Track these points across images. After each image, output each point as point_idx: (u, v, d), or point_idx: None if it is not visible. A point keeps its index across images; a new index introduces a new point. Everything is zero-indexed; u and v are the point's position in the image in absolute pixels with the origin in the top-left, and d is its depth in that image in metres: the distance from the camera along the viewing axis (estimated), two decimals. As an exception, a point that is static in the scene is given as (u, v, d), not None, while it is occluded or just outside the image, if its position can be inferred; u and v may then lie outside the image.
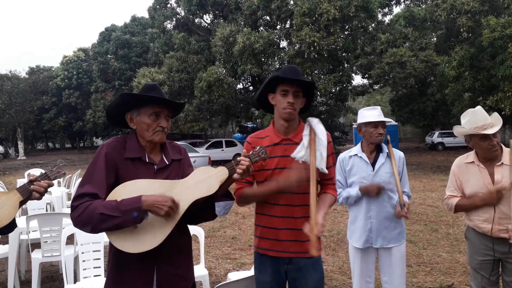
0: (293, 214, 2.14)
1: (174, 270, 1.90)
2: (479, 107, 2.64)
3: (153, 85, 1.94)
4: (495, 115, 2.63)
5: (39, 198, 1.75)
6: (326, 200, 2.21)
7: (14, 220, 1.78)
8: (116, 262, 1.84)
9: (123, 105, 1.91)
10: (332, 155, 2.27)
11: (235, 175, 1.83)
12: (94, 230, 1.72)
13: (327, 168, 2.19)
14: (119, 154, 1.86)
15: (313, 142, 2.13)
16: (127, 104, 1.90)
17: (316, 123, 2.19)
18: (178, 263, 1.93)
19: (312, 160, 2.09)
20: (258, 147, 1.94)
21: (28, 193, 1.72)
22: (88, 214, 1.68)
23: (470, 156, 2.73)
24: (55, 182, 8.28)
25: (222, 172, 1.83)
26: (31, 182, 1.72)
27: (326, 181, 2.27)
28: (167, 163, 1.95)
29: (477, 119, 2.55)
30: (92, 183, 1.78)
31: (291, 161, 2.12)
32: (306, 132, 2.17)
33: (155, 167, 1.91)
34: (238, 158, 1.86)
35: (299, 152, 2.11)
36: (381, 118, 2.85)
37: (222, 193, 1.92)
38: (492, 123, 2.53)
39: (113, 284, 1.85)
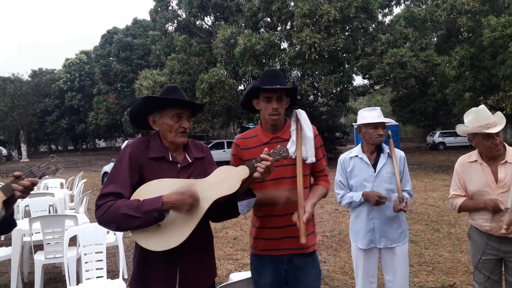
0: (292, 211, 2.15)
1: (197, 267, 1.95)
2: (482, 106, 2.65)
3: (174, 87, 1.98)
4: (499, 114, 2.63)
5: (22, 197, 1.72)
6: (317, 190, 2.25)
7: (10, 218, 1.79)
8: (142, 258, 1.90)
9: (146, 108, 1.95)
10: (321, 147, 2.31)
11: (256, 174, 1.85)
12: (119, 229, 1.78)
13: (317, 160, 2.24)
14: (143, 154, 1.91)
15: (299, 135, 2.16)
16: (149, 106, 1.94)
17: (302, 115, 2.23)
18: (200, 260, 1.98)
19: (298, 152, 2.12)
20: (278, 146, 1.95)
21: (11, 192, 1.68)
22: (112, 213, 1.73)
23: (473, 155, 2.73)
24: (54, 182, 8.29)
25: (242, 171, 1.86)
26: (16, 179, 1.71)
27: (317, 173, 2.31)
28: (190, 161, 1.99)
29: (480, 118, 2.56)
30: (116, 183, 1.82)
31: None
32: (293, 127, 2.21)
33: (179, 165, 1.96)
34: (261, 156, 1.88)
35: (290, 148, 2.13)
36: (381, 119, 2.85)
37: (244, 191, 1.95)
38: (495, 122, 2.54)
39: (138, 279, 1.91)
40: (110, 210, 1.73)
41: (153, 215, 1.71)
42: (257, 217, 2.28)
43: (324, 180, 2.33)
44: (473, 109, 2.66)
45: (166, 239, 1.77)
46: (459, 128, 2.73)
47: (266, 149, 1.95)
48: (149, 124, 2.00)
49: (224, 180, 1.85)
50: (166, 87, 1.99)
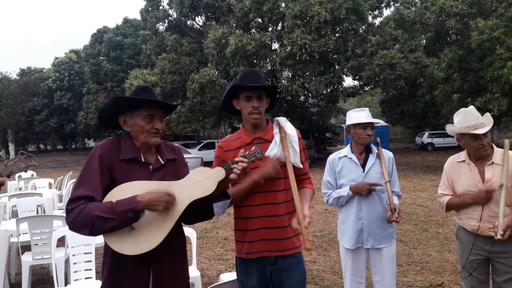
0: (276, 212, 2.16)
1: (170, 270, 1.91)
2: (471, 107, 2.68)
3: (146, 87, 1.93)
4: (487, 115, 2.66)
5: None
6: (307, 194, 2.27)
7: None
8: (113, 262, 1.84)
9: (116, 108, 1.89)
10: (304, 150, 2.33)
11: (232, 175, 1.84)
12: (92, 233, 1.70)
13: (302, 163, 2.25)
14: (114, 155, 1.85)
15: (284, 139, 2.17)
16: (120, 107, 1.89)
17: (284, 122, 2.24)
18: (173, 264, 1.93)
19: (287, 156, 2.12)
20: (253, 147, 1.95)
21: None
22: (84, 217, 1.66)
23: (462, 155, 2.77)
24: (43, 182, 8.17)
25: (219, 173, 1.84)
26: None
27: (301, 177, 2.33)
28: (162, 163, 1.95)
29: (468, 119, 2.59)
30: (87, 186, 1.76)
31: (265, 159, 2.12)
32: (276, 130, 2.22)
33: (151, 167, 1.91)
34: (236, 159, 1.87)
35: (273, 150, 2.14)
36: (370, 119, 2.87)
37: (219, 193, 1.92)
38: (484, 123, 2.57)
39: (110, 285, 1.85)
40: (82, 214, 1.66)
41: (128, 215, 1.66)
42: (238, 219, 2.28)
43: (309, 182, 2.36)
44: (462, 109, 2.68)
45: (141, 242, 1.72)
46: (448, 128, 2.76)
47: (242, 150, 1.95)
48: (118, 124, 1.94)
49: (200, 182, 1.82)
50: (138, 87, 1.94)
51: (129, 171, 1.84)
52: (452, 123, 2.75)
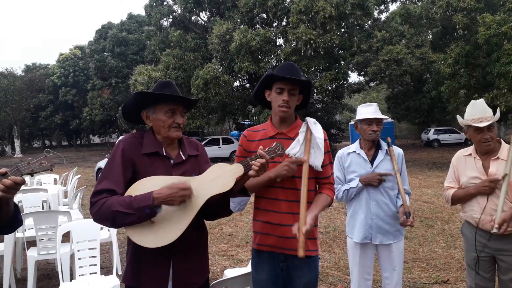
0: (296, 210, 2.10)
1: (190, 264, 1.95)
2: (481, 100, 2.67)
3: (167, 82, 1.97)
4: (497, 110, 2.63)
5: (6, 197, 1.58)
6: (320, 201, 2.16)
7: (14, 218, 1.73)
8: (135, 254, 1.89)
9: (139, 103, 1.93)
10: (329, 153, 2.25)
11: (251, 172, 1.84)
12: (114, 225, 1.79)
13: (324, 166, 2.17)
14: (136, 149, 1.90)
15: (308, 141, 2.11)
16: (142, 102, 1.93)
17: (314, 123, 2.19)
18: (193, 257, 1.97)
19: (306, 158, 2.07)
20: (274, 144, 1.94)
21: None
22: (105, 210, 1.73)
23: (470, 149, 2.77)
24: (48, 178, 8.21)
25: (237, 169, 1.85)
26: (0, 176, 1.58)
27: (323, 180, 2.23)
28: (184, 158, 1.98)
29: (474, 111, 2.59)
30: (110, 179, 1.81)
31: (285, 156, 2.09)
32: (302, 129, 2.16)
33: (172, 161, 1.94)
34: (254, 155, 1.86)
35: (294, 148, 2.10)
36: (375, 115, 2.84)
37: (238, 190, 1.94)
38: (490, 117, 2.55)
39: (131, 276, 1.91)
40: (104, 207, 1.73)
41: (145, 212, 1.70)
42: (258, 209, 2.24)
43: (328, 189, 2.23)
44: (472, 101, 2.68)
45: (160, 236, 1.76)
46: (458, 119, 2.78)
47: (261, 146, 1.92)
48: (142, 119, 1.98)
49: (218, 178, 1.84)
50: (159, 82, 1.97)
51: (151, 165, 1.89)
52: (463, 117, 2.74)
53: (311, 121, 2.19)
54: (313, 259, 2.21)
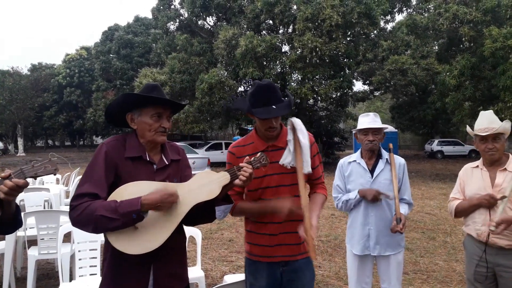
0: (292, 217, 2.12)
1: (170, 270, 1.91)
2: (490, 111, 2.69)
3: (155, 85, 1.93)
4: (507, 122, 2.62)
5: (9, 199, 1.57)
6: (317, 200, 2.23)
7: (16, 217, 1.73)
8: (113, 261, 1.84)
9: (125, 105, 1.90)
10: (318, 154, 2.29)
11: (237, 181, 1.84)
12: (95, 231, 1.72)
13: (314, 168, 2.23)
14: (119, 153, 1.85)
15: (298, 147, 2.13)
16: (128, 104, 1.89)
17: (298, 124, 2.19)
18: (174, 263, 1.93)
19: (299, 165, 2.10)
20: (258, 153, 1.95)
21: None
22: (88, 215, 1.67)
23: (477, 162, 2.78)
24: (50, 177, 8.23)
25: (223, 177, 1.85)
26: (2, 179, 1.56)
27: (314, 181, 2.30)
28: (167, 163, 1.95)
29: (482, 122, 2.62)
30: (92, 182, 1.76)
31: (278, 167, 2.14)
32: (290, 137, 2.17)
33: (155, 166, 1.91)
34: (241, 164, 1.87)
35: (286, 158, 2.13)
36: (371, 125, 2.82)
37: (222, 197, 1.93)
38: (496, 128, 2.55)
39: (110, 283, 1.85)
40: (86, 212, 1.67)
41: (132, 217, 1.67)
42: (252, 222, 2.26)
43: (322, 187, 2.32)
44: (482, 112, 2.71)
45: (143, 242, 1.73)
46: (467, 129, 2.79)
47: (247, 157, 1.94)
48: (125, 121, 1.93)
49: (204, 186, 1.83)
50: (147, 85, 1.94)
51: (133, 169, 1.85)
52: (465, 130, 2.76)
53: (296, 122, 2.18)
54: (310, 258, 2.23)
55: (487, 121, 2.59)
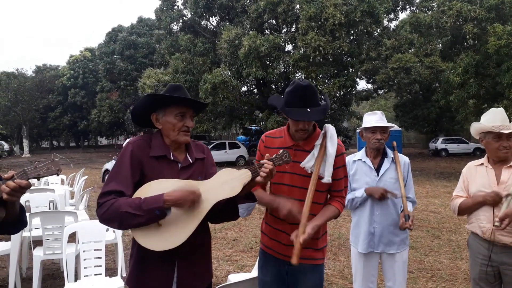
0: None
1: (194, 268, 1.95)
2: (501, 109, 2.67)
3: (178, 86, 1.98)
4: None
5: (12, 199, 1.58)
6: (327, 212, 2.16)
7: (20, 218, 1.74)
8: (139, 256, 1.89)
9: (149, 105, 1.94)
10: (344, 167, 2.22)
11: (258, 178, 1.85)
12: (120, 227, 1.78)
13: (336, 179, 2.16)
14: (144, 152, 1.90)
15: (322, 152, 2.10)
16: (153, 104, 1.94)
17: (330, 131, 2.15)
18: (198, 261, 1.98)
19: (316, 168, 2.08)
20: (281, 151, 1.95)
21: None
22: (113, 212, 1.72)
23: (481, 160, 2.76)
24: (55, 178, 8.27)
25: (245, 175, 1.86)
26: (5, 180, 1.57)
27: (334, 193, 2.24)
28: (191, 161, 1.99)
29: (496, 118, 2.59)
30: (118, 181, 1.82)
31: (299, 169, 2.12)
32: (318, 142, 2.14)
33: (179, 165, 1.95)
34: (262, 161, 1.88)
35: (309, 162, 2.10)
36: (379, 123, 2.82)
37: (244, 195, 1.94)
38: (510, 126, 2.55)
39: (135, 279, 1.91)
40: (112, 209, 1.73)
41: (155, 213, 1.71)
42: (272, 215, 2.25)
43: (338, 201, 2.22)
44: (491, 109, 2.68)
45: (167, 239, 1.77)
46: (474, 126, 2.73)
47: (267, 154, 1.94)
48: (151, 122, 1.99)
49: (226, 183, 1.85)
50: (170, 85, 1.98)
51: (158, 168, 1.90)
52: (468, 129, 2.73)
53: (329, 131, 2.14)
54: (318, 267, 2.23)
55: (500, 119, 2.56)
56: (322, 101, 2.14)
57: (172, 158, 1.93)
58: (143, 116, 2.00)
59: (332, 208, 2.18)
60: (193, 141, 2.07)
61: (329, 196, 2.27)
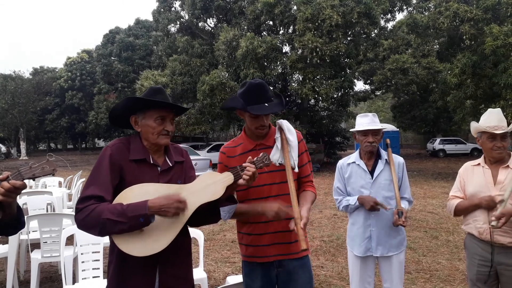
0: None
1: (176, 271, 1.92)
2: (498, 109, 2.69)
3: (159, 89, 1.96)
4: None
5: (7, 200, 1.56)
6: (307, 196, 2.23)
7: (17, 220, 1.73)
8: (119, 262, 1.84)
9: (128, 108, 1.92)
10: (306, 152, 2.31)
11: (241, 181, 1.85)
12: (101, 233, 1.71)
13: (302, 165, 2.25)
14: (124, 155, 1.86)
15: (285, 144, 2.17)
16: (132, 107, 1.91)
17: (286, 124, 2.23)
18: (179, 265, 1.94)
19: (287, 161, 2.13)
20: (261, 154, 1.96)
21: None
22: (94, 218, 1.66)
23: (478, 160, 2.77)
24: (53, 181, 8.25)
25: (227, 178, 1.86)
26: (0, 181, 1.55)
27: (303, 179, 2.30)
28: (171, 165, 1.96)
29: (491, 119, 2.61)
30: (97, 185, 1.77)
31: (273, 165, 2.14)
32: (277, 135, 2.21)
33: (159, 169, 1.92)
34: (244, 164, 1.88)
35: (275, 155, 2.15)
36: (371, 126, 2.80)
37: (226, 198, 1.94)
38: (505, 127, 2.56)
39: (115, 285, 1.86)
40: (93, 214, 1.66)
41: (139, 220, 1.67)
42: (242, 223, 2.28)
43: (310, 186, 2.31)
44: (489, 110, 2.70)
45: (149, 244, 1.73)
46: (472, 126, 2.76)
47: (250, 157, 1.95)
48: (129, 124, 1.96)
49: (208, 186, 1.84)
50: (151, 88, 1.95)
51: (138, 172, 1.86)
52: (468, 128, 2.74)
53: (283, 123, 2.22)
54: (306, 260, 2.24)
55: (497, 119, 2.58)
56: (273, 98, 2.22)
57: (152, 162, 1.90)
58: (121, 118, 1.97)
59: (310, 193, 2.26)
60: (171, 144, 2.05)
61: (298, 184, 2.30)
